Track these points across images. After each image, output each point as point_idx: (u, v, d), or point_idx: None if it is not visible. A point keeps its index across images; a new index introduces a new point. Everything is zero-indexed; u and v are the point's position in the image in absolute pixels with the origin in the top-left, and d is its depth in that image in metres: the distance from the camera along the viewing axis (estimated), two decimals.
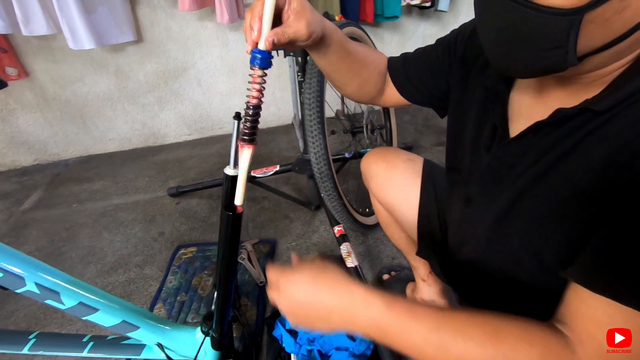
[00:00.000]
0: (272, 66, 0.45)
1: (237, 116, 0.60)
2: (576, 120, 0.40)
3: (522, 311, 0.41)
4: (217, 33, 1.96)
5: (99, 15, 1.60)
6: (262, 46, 0.43)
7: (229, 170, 0.63)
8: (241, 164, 0.48)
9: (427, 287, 0.93)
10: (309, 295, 0.46)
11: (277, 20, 0.45)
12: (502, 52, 0.40)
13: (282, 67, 2.12)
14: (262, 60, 0.43)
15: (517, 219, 0.47)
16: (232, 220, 0.53)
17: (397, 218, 0.85)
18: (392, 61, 0.68)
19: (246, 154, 0.47)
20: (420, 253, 0.81)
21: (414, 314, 0.42)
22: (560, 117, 0.41)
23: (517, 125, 0.48)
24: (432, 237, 0.76)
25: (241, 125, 0.49)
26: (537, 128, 0.44)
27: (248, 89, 0.47)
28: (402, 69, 0.66)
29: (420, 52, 0.66)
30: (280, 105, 2.27)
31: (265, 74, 0.45)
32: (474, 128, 0.56)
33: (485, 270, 0.57)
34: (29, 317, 1.10)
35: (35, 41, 1.77)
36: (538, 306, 0.45)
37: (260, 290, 1.08)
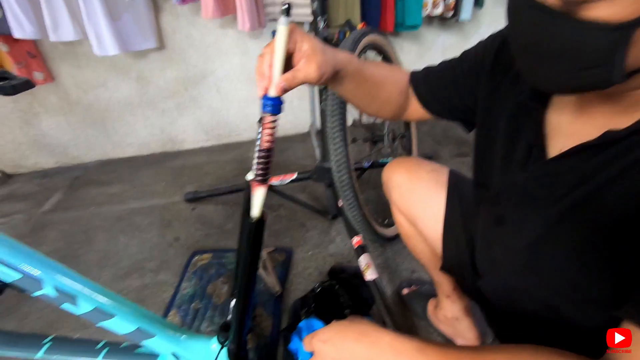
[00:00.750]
0: (283, 111, 0.46)
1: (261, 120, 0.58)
2: (625, 142, 0.36)
3: (558, 345, 0.38)
4: (237, 41, 1.98)
5: (124, 22, 1.63)
6: (272, 93, 0.43)
7: (252, 176, 0.61)
8: (255, 204, 0.49)
9: (450, 303, 0.88)
10: (338, 348, 0.44)
11: (289, 63, 0.45)
12: (536, 67, 0.37)
13: None
14: (273, 107, 0.44)
15: (555, 245, 0.43)
16: (255, 226, 0.51)
17: (420, 230, 0.82)
18: (414, 75, 0.66)
19: (259, 193, 0.48)
20: (444, 268, 0.78)
21: (448, 357, 0.39)
22: (609, 139, 0.37)
23: (556, 143, 0.45)
24: (458, 252, 0.72)
25: (254, 166, 0.49)
26: (581, 149, 0.40)
27: (259, 132, 0.47)
28: (424, 83, 0.65)
29: (444, 65, 0.64)
30: (297, 114, 2.27)
31: (277, 119, 0.45)
32: (505, 144, 0.52)
33: (518, 296, 0.53)
34: (43, 320, 1.09)
35: (62, 47, 1.82)
36: (578, 340, 0.42)
37: (276, 300, 1.06)
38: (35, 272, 0.52)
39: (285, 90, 0.44)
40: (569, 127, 0.44)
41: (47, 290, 0.53)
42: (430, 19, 2.11)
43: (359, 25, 1.19)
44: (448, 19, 2.02)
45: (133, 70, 1.97)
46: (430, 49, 2.25)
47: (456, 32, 2.22)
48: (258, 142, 0.56)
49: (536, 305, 0.50)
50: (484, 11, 2.11)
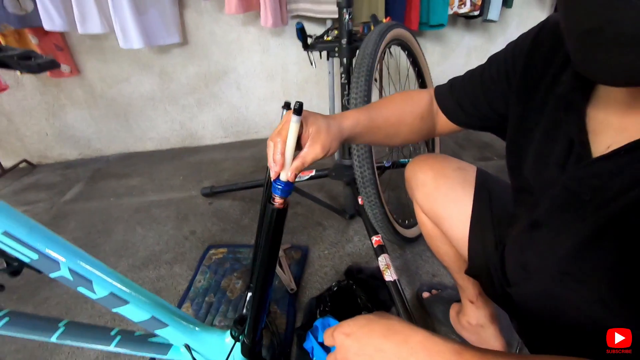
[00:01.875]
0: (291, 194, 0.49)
1: (287, 105, 0.56)
2: None
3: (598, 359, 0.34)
4: (259, 38, 1.98)
5: (149, 16, 1.66)
6: (284, 178, 0.46)
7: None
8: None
9: (475, 309, 0.84)
10: (362, 343, 0.40)
11: (297, 142, 0.47)
12: (594, 55, 0.33)
13: (321, 73, 2.11)
14: (283, 191, 0.47)
15: (602, 253, 0.39)
16: (276, 214, 0.48)
17: (444, 231, 0.77)
18: (438, 90, 0.64)
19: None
20: (470, 271, 0.73)
21: None
22: None
23: (603, 140, 0.41)
24: (485, 255, 0.68)
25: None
26: (635, 147, 0.36)
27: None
28: (450, 95, 0.62)
29: (470, 73, 0.61)
30: None
31: (286, 199, 0.48)
32: (542, 143, 0.48)
33: (557, 306, 0.48)
34: (61, 306, 1.10)
35: (89, 41, 1.86)
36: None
37: (290, 298, 1.03)
38: (52, 253, 0.51)
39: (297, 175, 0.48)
40: (618, 122, 0.40)
41: (64, 272, 0.52)
42: (455, 19, 2.06)
43: (385, 20, 1.16)
44: (474, 19, 1.96)
45: (156, 65, 1.99)
46: (454, 50, 2.20)
47: (482, 33, 2.16)
48: None
49: (578, 316, 0.46)
50: (512, 12, 2.05)
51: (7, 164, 2.05)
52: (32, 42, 1.70)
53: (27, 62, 0.53)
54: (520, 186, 0.56)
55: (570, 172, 0.43)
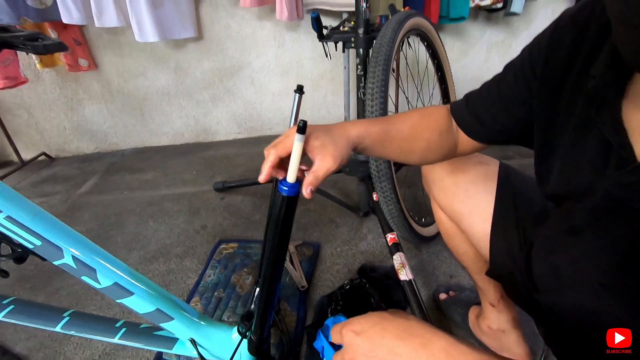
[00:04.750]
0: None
1: (300, 89, 0.53)
2: None
3: None
4: (274, 33, 1.96)
5: (165, 10, 1.65)
6: (291, 180, 0.45)
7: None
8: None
9: (496, 313, 0.79)
10: (373, 343, 0.37)
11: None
12: None
13: (336, 70, 2.07)
14: (290, 192, 0.45)
15: None
16: (286, 203, 0.45)
17: (464, 229, 0.73)
18: (454, 107, 0.59)
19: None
20: (491, 273, 0.68)
21: None
22: None
23: None
24: (509, 256, 0.63)
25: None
26: None
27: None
28: (467, 111, 0.57)
29: (486, 85, 0.56)
30: (330, 109, 2.22)
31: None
32: (572, 146, 0.43)
33: (593, 317, 0.44)
34: (72, 296, 1.10)
35: (106, 35, 1.88)
36: None
37: (301, 295, 1.00)
38: (56, 240, 0.49)
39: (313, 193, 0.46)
40: None
41: (67, 260, 0.51)
42: (476, 13, 1.99)
43: (404, 9, 1.12)
44: (496, 12, 1.89)
45: (172, 60, 2.00)
46: (474, 45, 2.13)
47: (504, 27, 2.08)
48: (294, 112, 0.52)
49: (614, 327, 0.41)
50: (537, 4, 1.97)
51: (27, 156, 2.09)
52: (52, 35, 1.73)
53: (34, 43, 0.51)
54: (550, 194, 0.51)
55: (614, 177, 0.38)
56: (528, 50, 0.49)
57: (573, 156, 0.44)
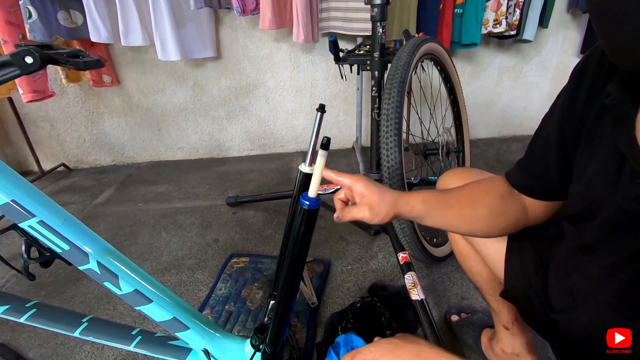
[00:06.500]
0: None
1: (321, 108, 0.56)
2: None
3: None
4: (290, 54, 2.03)
5: (187, 31, 1.73)
6: (312, 195, 0.48)
7: (304, 168, 0.58)
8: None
9: (510, 336, 0.78)
10: None
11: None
12: None
13: (349, 90, 2.12)
14: (310, 206, 0.48)
15: None
16: (307, 215, 0.47)
17: (478, 249, 0.73)
18: (510, 174, 0.59)
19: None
20: (506, 294, 0.68)
21: None
22: None
23: None
24: (525, 277, 0.63)
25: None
26: None
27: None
28: (520, 171, 0.57)
29: (530, 143, 0.56)
30: (342, 129, 2.26)
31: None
32: (588, 163, 0.44)
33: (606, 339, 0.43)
34: (85, 305, 1.11)
35: (130, 53, 1.96)
36: None
37: (311, 312, 1.00)
38: (83, 245, 0.51)
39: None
40: None
41: (92, 265, 0.52)
42: (487, 39, 2.03)
43: (418, 35, 1.16)
44: (507, 39, 1.93)
45: (190, 78, 2.07)
46: (485, 70, 2.16)
47: (515, 53, 2.12)
48: (314, 132, 0.54)
49: (636, 351, 0.41)
50: (547, 32, 2.01)
51: (47, 166, 2.16)
52: None
53: (75, 60, 0.55)
54: (566, 214, 0.51)
55: (625, 190, 0.39)
56: (558, 97, 0.50)
57: (587, 172, 0.44)
